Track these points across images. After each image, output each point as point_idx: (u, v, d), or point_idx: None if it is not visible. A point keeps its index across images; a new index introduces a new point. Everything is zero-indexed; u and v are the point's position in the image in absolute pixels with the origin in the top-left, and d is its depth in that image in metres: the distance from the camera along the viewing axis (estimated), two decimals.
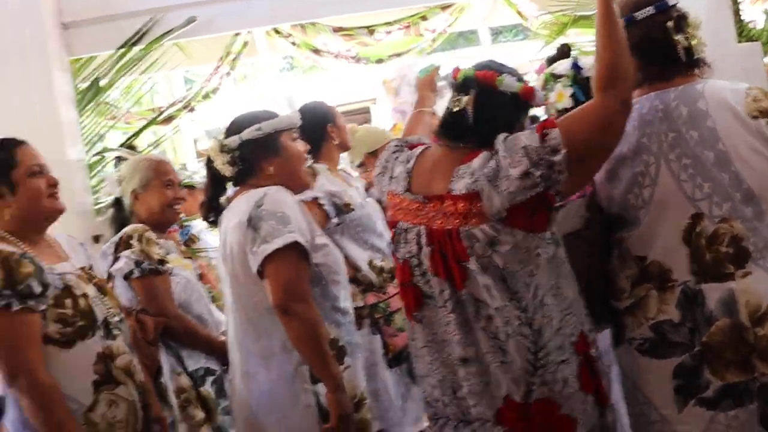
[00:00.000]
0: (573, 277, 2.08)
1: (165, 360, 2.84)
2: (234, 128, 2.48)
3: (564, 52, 2.64)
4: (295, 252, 2.27)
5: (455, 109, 2.11)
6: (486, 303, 1.97)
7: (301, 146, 2.54)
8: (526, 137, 1.95)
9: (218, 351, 2.84)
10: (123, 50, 4.31)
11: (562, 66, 2.54)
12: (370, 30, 6.15)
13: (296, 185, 2.52)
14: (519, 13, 6.18)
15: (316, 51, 6.07)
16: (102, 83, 4.46)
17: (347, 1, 4.72)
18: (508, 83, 2.08)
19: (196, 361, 2.87)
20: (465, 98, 2.08)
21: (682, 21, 2.14)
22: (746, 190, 2.01)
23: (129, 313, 2.69)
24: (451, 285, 2.02)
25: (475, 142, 2.05)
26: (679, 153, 2.06)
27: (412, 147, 2.27)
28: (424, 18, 6.22)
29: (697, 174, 2.04)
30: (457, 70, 2.17)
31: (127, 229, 2.88)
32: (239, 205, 2.39)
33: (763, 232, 2.02)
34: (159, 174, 3.03)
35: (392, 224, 2.20)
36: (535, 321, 1.97)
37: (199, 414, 2.79)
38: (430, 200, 2.07)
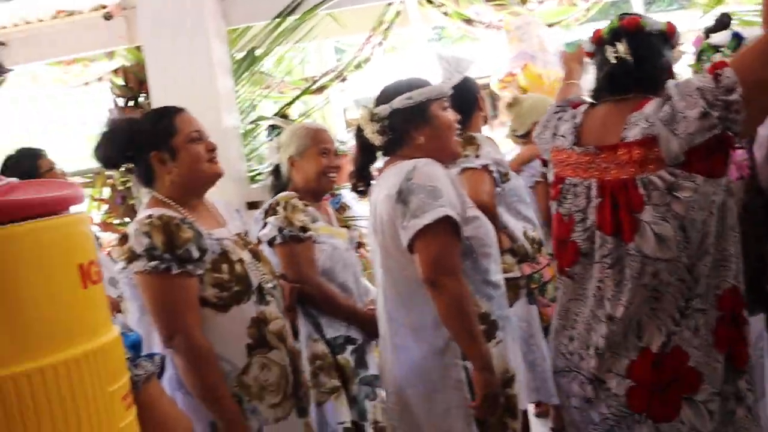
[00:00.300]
0: (736, 231, 1.99)
1: (303, 326, 2.85)
2: (384, 97, 2.45)
3: (723, 22, 2.52)
4: (446, 226, 2.23)
5: (614, 60, 2.08)
6: (651, 257, 1.92)
7: (451, 116, 2.48)
8: (699, 80, 1.91)
9: (360, 321, 2.85)
10: (278, 20, 4.38)
11: (722, 36, 2.42)
12: (523, 0, 5.98)
13: (446, 155, 2.46)
14: None
15: (468, 21, 5.95)
16: (257, 53, 4.56)
17: None
18: (652, 23, 2.08)
19: (336, 329, 2.86)
20: (620, 46, 2.07)
21: None
22: None
23: None
24: (617, 239, 1.97)
25: (642, 89, 2.03)
26: None
27: (575, 106, 2.25)
28: None
29: None
30: (597, 31, 2.16)
31: (277, 196, 2.92)
32: (389, 176, 2.36)
33: None
34: (316, 141, 3.04)
35: (559, 180, 2.16)
36: (696, 268, 1.92)
37: (331, 382, 2.78)
38: (602, 151, 2.03)
